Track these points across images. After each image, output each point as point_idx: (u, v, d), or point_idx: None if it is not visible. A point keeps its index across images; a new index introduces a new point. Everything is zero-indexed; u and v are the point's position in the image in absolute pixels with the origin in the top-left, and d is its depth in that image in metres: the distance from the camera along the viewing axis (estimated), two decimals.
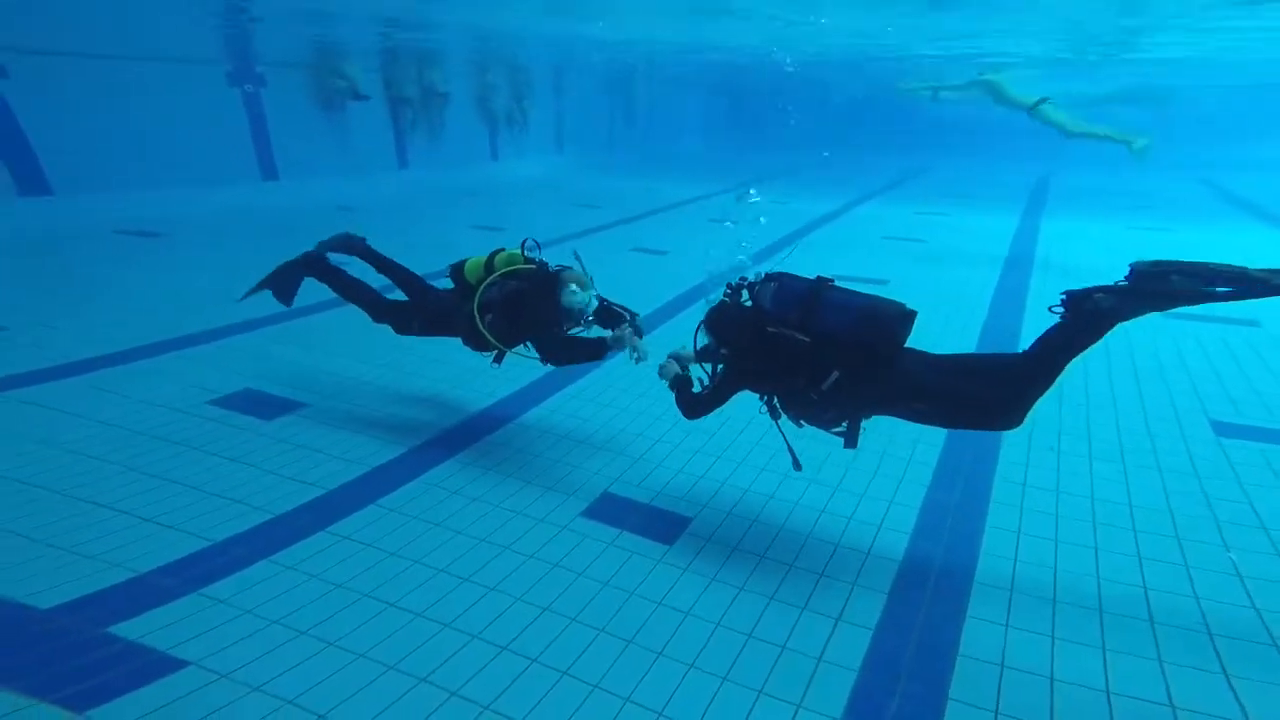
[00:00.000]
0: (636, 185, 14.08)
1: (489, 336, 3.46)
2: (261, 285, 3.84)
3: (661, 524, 3.10)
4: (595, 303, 3.50)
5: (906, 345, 2.61)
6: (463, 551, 2.84)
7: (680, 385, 3.07)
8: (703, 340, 2.94)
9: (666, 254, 8.24)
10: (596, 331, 3.54)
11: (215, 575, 2.57)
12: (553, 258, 3.54)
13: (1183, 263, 2.27)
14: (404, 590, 2.58)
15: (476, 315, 3.45)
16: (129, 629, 2.26)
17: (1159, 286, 2.27)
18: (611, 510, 3.19)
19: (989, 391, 2.53)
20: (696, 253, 8.17)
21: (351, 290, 3.82)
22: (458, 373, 4.46)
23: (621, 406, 4.18)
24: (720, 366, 2.91)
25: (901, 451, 3.70)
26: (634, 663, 2.31)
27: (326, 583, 2.59)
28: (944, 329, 5.60)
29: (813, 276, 2.76)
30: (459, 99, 13.19)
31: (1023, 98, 10.77)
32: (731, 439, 3.81)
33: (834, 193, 13.66)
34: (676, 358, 3.10)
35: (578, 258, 3.53)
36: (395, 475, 3.36)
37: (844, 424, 2.75)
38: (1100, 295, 2.32)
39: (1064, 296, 2.40)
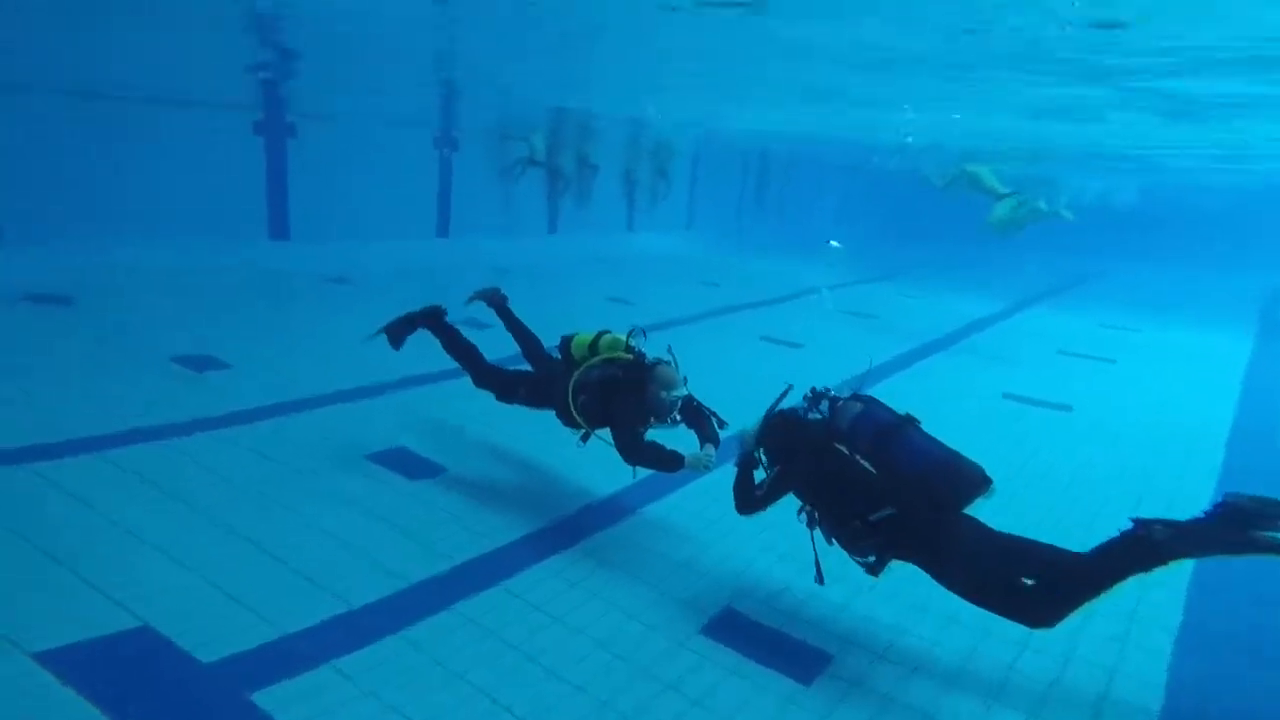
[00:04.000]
0: (767, 267, 13.88)
1: (578, 417, 3.47)
2: (386, 330, 3.96)
3: (795, 656, 2.80)
4: (680, 402, 3.40)
5: (966, 511, 2.46)
6: (580, 655, 2.70)
7: (744, 468, 2.98)
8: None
9: (801, 347, 7.87)
10: (682, 431, 3.48)
11: (348, 646, 2.59)
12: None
13: None
14: (517, 691, 2.47)
15: (570, 393, 3.46)
16: (268, 699, 2.30)
17: (1236, 535, 2.08)
18: (735, 630, 2.94)
19: (1034, 585, 2.34)
20: (835, 349, 7.79)
21: (460, 350, 3.94)
22: (588, 455, 4.41)
23: (762, 519, 3.89)
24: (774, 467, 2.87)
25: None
26: None
27: (448, 671, 2.54)
28: (1147, 486, 4.71)
29: (902, 413, 2.68)
30: (605, 170, 13.74)
31: (998, 187, 9.83)
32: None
33: (991, 293, 12.55)
34: (745, 438, 2.99)
35: (671, 352, 3.47)
36: (520, 556, 3.32)
37: (873, 556, 2.63)
38: (1159, 527, 2.18)
39: (1132, 522, 2.26)
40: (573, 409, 3.49)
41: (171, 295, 7.11)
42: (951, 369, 7.50)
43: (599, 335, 3.56)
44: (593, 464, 4.33)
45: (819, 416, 2.79)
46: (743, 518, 3.06)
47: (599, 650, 2.74)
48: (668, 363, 3.42)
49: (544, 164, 12.12)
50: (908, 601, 3.13)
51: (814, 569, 2.77)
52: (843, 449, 2.62)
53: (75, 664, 2.35)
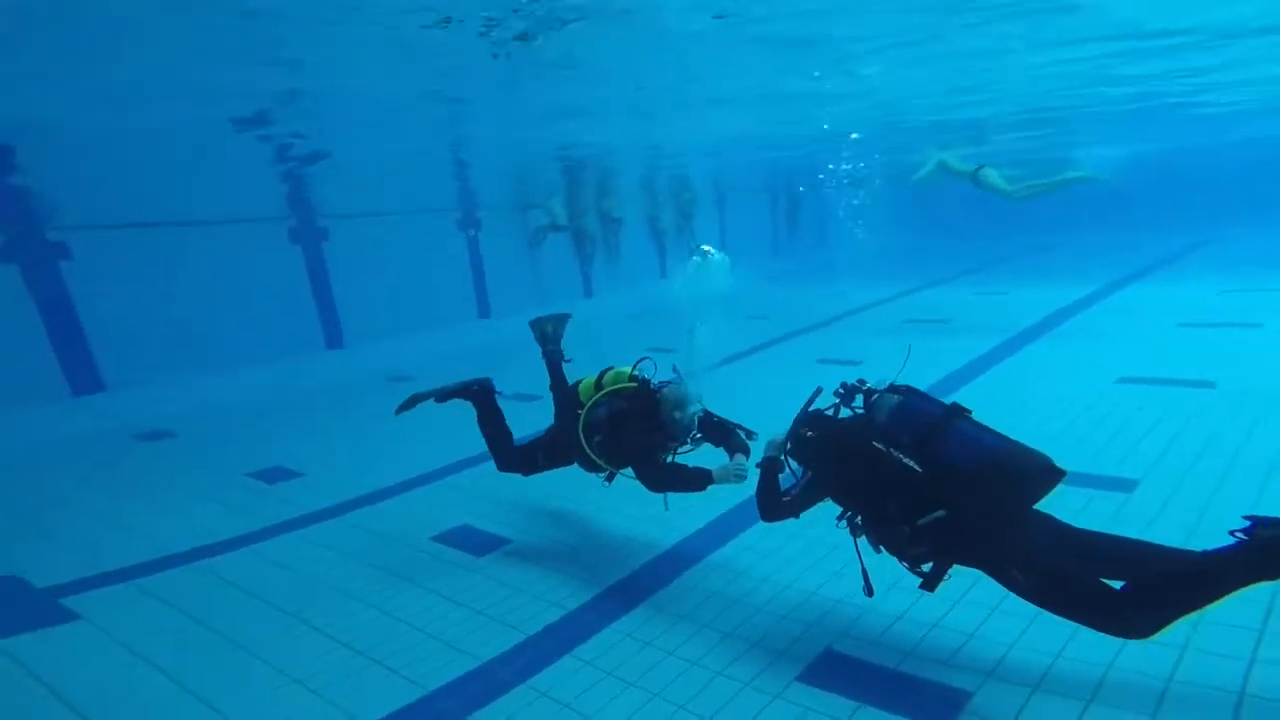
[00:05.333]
0: (812, 292, 13.62)
1: (596, 459, 3.36)
2: (425, 398, 3.85)
3: (922, 697, 2.53)
4: (697, 420, 3.26)
5: (1037, 506, 2.17)
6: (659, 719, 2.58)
7: (768, 472, 2.75)
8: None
9: (861, 363, 7.66)
10: (707, 450, 3.32)
11: None
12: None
13: None
14: None
15: (582, 437, 3.35)
16: None
17: None
18: (840, 674, 2.71)
19: (1125, 589, 2.06)
20: (898, 359, 7.45)
21: (494, 429, 3.90)
22: (645, 507, 4.34)
23: (835, 541, 3.47)
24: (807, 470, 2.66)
25: None
26: None
27: None
28: None
29: (948, 402, 2.41)
30: (629, 222, 13.66)
31: (964, 166, 9.33)
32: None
33: (1076, 277, 11.67)
34: (771, 442, 2.82)
35: (676, 371, 3.33)
36: (590, 621, 3.24)
37: (929, 565, 2.37)
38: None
39: (1248, 520, 1.96)
40: (589, 452, 3.40)
41: (250, 417, 7.49)
42: (1050, 359, 7.00)
43: (603, 373, 3.50)
44: (652, 517, 4.26)
45: (850, 413, 2.61)
46: (807, 535, 2.87)
47: (681, 713, 2.61)
48: (675, 383, 3.32)
49: (567, 227, 12.22)
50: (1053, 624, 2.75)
51: (865, 581, 2.58)
52: (881, 446, 2.34)
53: None
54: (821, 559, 3.53)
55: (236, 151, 7.07)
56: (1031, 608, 2.37)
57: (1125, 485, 3.99)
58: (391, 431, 6.65)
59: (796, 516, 2.76)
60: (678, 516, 4.18)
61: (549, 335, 4.10)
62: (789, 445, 2.74)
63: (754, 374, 7.44)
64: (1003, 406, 5.57)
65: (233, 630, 3.31)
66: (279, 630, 3.32)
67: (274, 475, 5.60)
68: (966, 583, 3.08)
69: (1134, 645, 2.59)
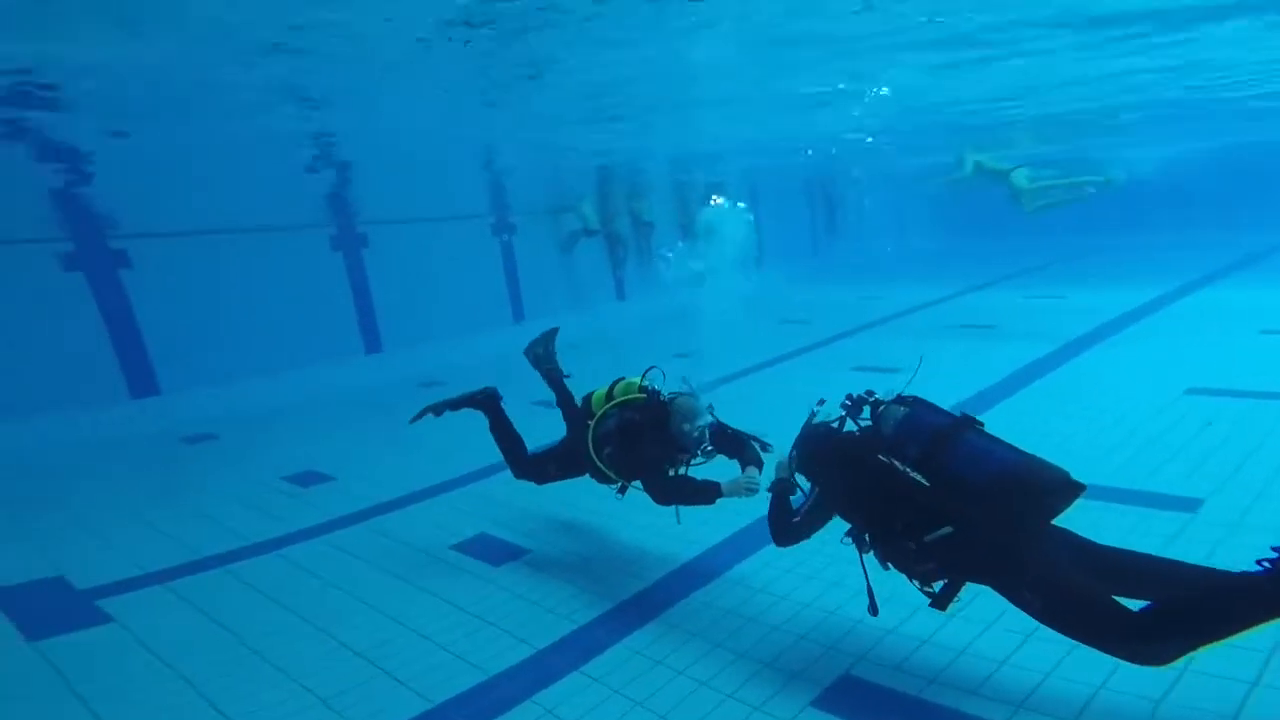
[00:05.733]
0: (850, 294, 13.27)
1: (606, 471, 3.34)
2: (435, 409, 3.89)
3: None
4: (708, 432, 3.21)
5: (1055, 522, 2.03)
6: None
7: (780, 495, 2.69)
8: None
9: (897, 371, 7.37)
10: (721, 461, 3.26)
11: None
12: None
13: None
14: None
15: (592, 449, 3.33)
16: None
17: None
18: (858, 701, 2.58)
19: (1144, 610, 1.90)
20: (938, 369, 7.18)
21: (507, 438, 3.91)
22: (663, 520, 4.24)
23: (858, 558, 3.57)
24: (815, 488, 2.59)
25: None
26: None
27: None
28: None
29: (958, 414, 2.31)
30: (661, 224, 13.57)
31: (1000, 166, 8.97)
32: None
33: (1138, 281, 10.87)
34: (781, 464, 2.75)
35: (687, 383, 3.28)
36: (600, 637, 3.17)
37: (939, 583, 2.28)
38: None
39: (1276, 552, 1.82)
40: (599, 464, 3.39)
41: (289, 420, 7.71)
42: (1111, 367, 6.61)
43: (614, 383, 3.49)
44: (670, 529, 4.16)
45: (855, 427, 2.53)
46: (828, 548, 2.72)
47: None
48: (686, 394, 3.27)
49: (599, 231, 12.21)
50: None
51: (869, 598, 2.49)
52: (886, 460, 2.26)
53: None
54: (845, 576, 3.37)
55: (278, 159, 7.27)
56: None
57: (1188, 505, 3.70)
58: (420, 437, 6.72)
59: (807, 538, 2.67)
60: (696, 529, 4.08)
61: (541, 356, 4.13)
62: (795, 461, 2.66)
63: (783, 381, 7.27)
64: (1055, 417, 5.31)
65: (251, 635, 3.36)
66: (295, 636, 3.35)
67: (307, 479, 5.71)
68: (999, 606, 2.91)
69: (1192, 680, 2.39)
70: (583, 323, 12.00)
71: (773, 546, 3.75)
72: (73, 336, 7.39)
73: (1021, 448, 2.19)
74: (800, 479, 2.71)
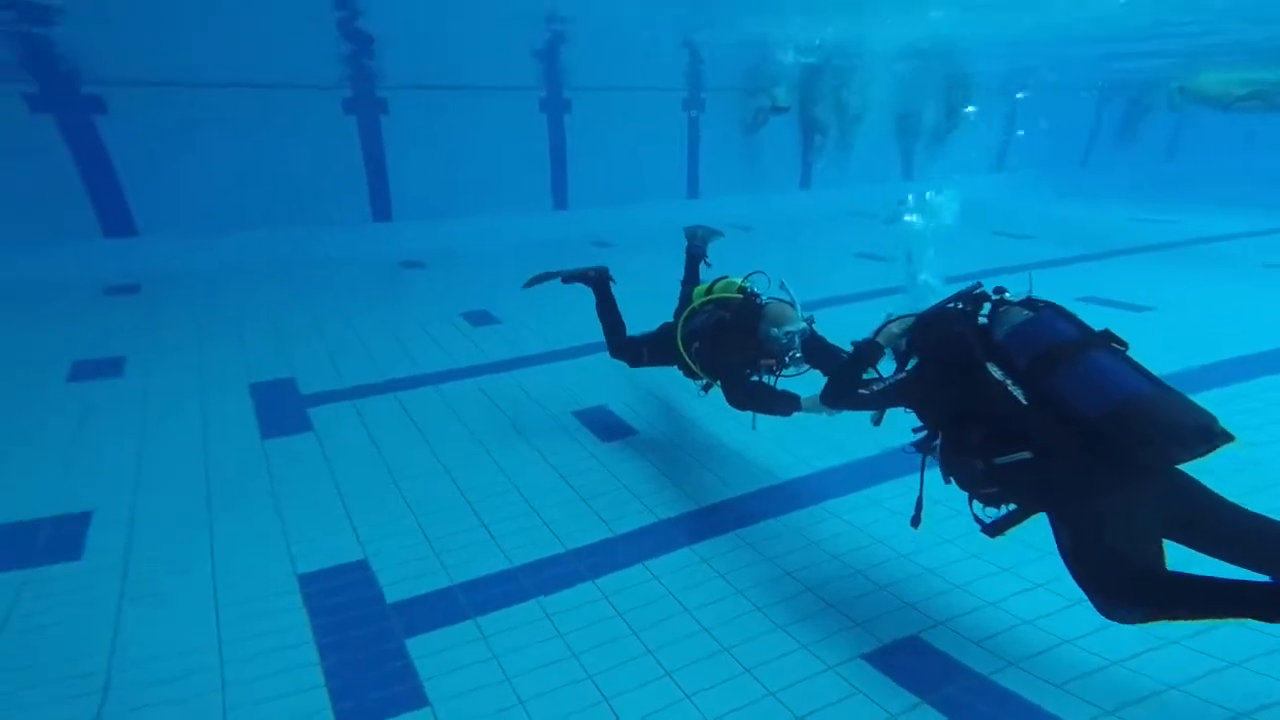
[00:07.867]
0: (1118, 214, 10.77)
1: (693, 366, 3.29)
2: (550, 277, 4.07)
3: (1004, 714, 2.17)
4: (799, 340, 2.98)
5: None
6: (699, 655, 2.52)
7: (861, 355, 2.43)
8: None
9: (1150, 310, 5.94)
10: (811, 374, 3.08)
11: (495, 604, 2.80)
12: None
13: None
14: (625, 682, 2.41)
15: (680, 343, 3.28)
16: (415, 646, 2.58)
17: None
18: (915, 665, 2.38)
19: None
20: (1215, 313, 5.66)
21: (610, 317, 3.97)
22: (784, 430, 4.00)
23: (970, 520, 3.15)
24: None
25: None
26: None
27: (567, 649, 2.58)
28: None
29: (1099, 329, 1.96)
30: (876, 115, 12.15)
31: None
32: None
33: None
34: (886, 329, 2.47)
35: (785, 288, 3.06)
36: (673, 536, 3.21)
37: (1005, 508, 2.03)
38: None
39: None
40: (687, 358, 3.35)
41: (484, 260, 8.54)
42: None
43: (716, 280, 3.37)
44: (783, 442, 3.96)
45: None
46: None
47: (723, 657, 2.52)
48: (782, 299, 3.10)
49: (788, 109, 11.26)
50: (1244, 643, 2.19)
51: (915, 509, 2.32)
52: (994, 371, 1.93)
53: (314, 590, 2.90)
54: (959, 535, 2.99)
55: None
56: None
57: None
58: (585, 296, 7.05)
59: (860, 409, 2.44)
60: (808, 450, 3.84)
61: (697, 236, 4.09)
62: (906, 334, 2.38)
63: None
64: None
65: (397, 464, 3.88)
66: (427, 473, 3.78)
67: (479, 318, 6.31)
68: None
69: None
70: (759, 206, 11.22)
71: (892, 484, 3.46)
72: (337, 167, 8.92)
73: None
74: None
